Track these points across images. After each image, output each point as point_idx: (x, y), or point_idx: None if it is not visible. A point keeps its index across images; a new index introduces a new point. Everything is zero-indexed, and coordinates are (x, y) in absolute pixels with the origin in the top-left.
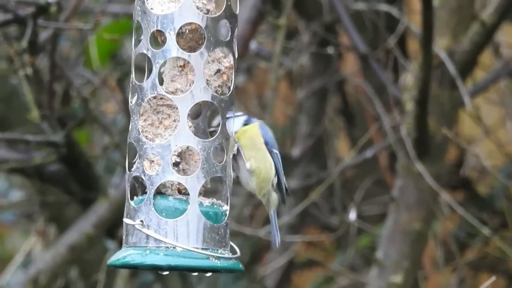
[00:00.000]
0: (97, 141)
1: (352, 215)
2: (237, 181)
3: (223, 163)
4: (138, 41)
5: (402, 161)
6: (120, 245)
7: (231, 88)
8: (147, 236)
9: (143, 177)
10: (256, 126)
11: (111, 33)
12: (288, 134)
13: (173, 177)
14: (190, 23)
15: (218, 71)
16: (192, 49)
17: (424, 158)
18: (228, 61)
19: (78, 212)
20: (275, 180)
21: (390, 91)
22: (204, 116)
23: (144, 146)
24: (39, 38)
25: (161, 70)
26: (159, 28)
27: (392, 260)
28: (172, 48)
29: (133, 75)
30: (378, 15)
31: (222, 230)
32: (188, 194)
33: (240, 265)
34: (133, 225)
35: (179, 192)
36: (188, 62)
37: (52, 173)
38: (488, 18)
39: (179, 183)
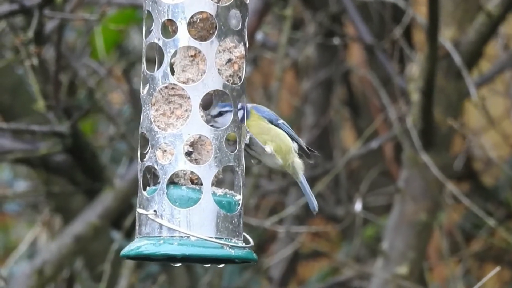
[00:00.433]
0: (102, 131)
1: (358, 206)
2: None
3: (235, 152)
4: (148, 31)
5: (407, 152)
6: (126, 236)
7: (242, 77)
8: (161, 226)
9: (156, 166)
10: (253, 112)
11: (116, 23)
12: (294, 125)
13: (186, 166)
14: (201, 12)
15: (229, 60)
16: (203, 38)
17: (430, 149)
18: (239, 50)
19: (83, 203)
20: (295, 145)
21: (396, 82)
22: (215, 106)
23: (157, 136)
24: (45, 29)
25: (172, 60)
26: (170, 18)
27: (398, 251)
28: (184, 37)
29: (144, 65)
30: (384, 5)
31: (236, 220)
32: (201, 184)
33: (253, 255)
34: (146, 215)
35: (192, 182)
36: (199, 52)
37: (57, 164)
38: (494, 9)
39: (191, 173)
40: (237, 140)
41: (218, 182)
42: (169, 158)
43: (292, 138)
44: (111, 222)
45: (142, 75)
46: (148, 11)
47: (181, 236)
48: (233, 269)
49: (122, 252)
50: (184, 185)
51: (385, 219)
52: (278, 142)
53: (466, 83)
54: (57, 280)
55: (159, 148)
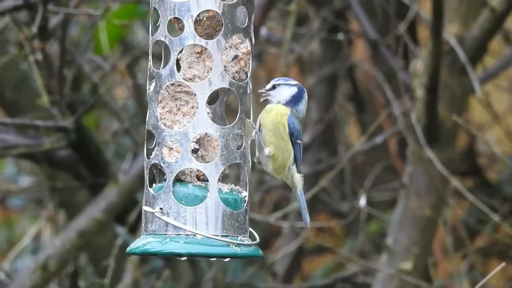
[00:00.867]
0: (106, 125)
1: (362, 201)
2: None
3: (241, 149)
4: (155, 29)
5: (412, 148)
6: (129, 231)
7: (249, 73)
8: (167, 223)
9: (162, 164)
10: (285, 115)
11: (119, 18)
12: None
13: (192, 164)
14: (207, 10)
15: (236, 57)
16: (209, 36)
17: (434, 145)
18: (245, 46)
19: (87, 198)
20: (293, 168)
21: (400, 77)
22: (221, 102)
23: (163, 134)
24: (49, 24)
25: (178, 57)
26: (176, 16)
27: (402, 246)
28: (190, 35)
29: (150, 63)
30: (388, 1)
31: (242, 217)
32: (207, 181)
33: (260, 252)
34: (153, 213)
35: (198, 178)
36: (206, 49)
37: (61, 159)
38: (498, 5)
39: (198, 170)
40: (243, 137)
41: (223, 177)
42: (176, 155)
43: (296, 161)
44: (115, 217)
45: (148, 72)
46: (154, 8)
47: (187, 234)
48: (237, 265)
49: (128, 249)
50: (191, 182)
51: (389, 215)
52: (279, 153)
53: (470, 79)
54: (61, 275)
55: (166, 145)
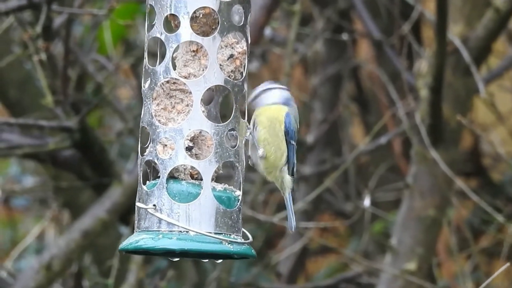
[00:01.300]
0: (109, 124)
1: (366, 202)
2: (250, 167)
3: (236, 148)
4: (151, 26)
5: (416, 148)
6: (134, 231)
7: (244, 73)
8: (160, 220)
9: (156, 161)
10: (283, 112)
11: (120, 18)
12: (303, 121)
13: (186, 161)
14: (204, 7)
15: (231, 56)
16: (205, 34)
17: (438, 145)
18: (241, 46)
19: (91, 198)
20: (285, 169)
21: (404, 77)
22: (216, 102)
23: (157, 130)
24: (53, 24)
25: (174, 55)
26: (172, 12)
27: (406, 246)
28: (186, 32)
29: (146, 60)
30: (392, 1)
31: (235, 215)
32: (201, 179)
33: (252, 251)
34: (146, 210)
35: (192, 177)
36: (201, 47)
37: (65, 159)
38: (502, 5)
39: (192, 168)
40: (237, 135)
41: (217, 177)
42: (170, 152)
43: (288, 162)
44: (119, 217)
45: (143, 69)
46: (150, 5)
47: (180, 231)
48: (241, 265)
49: (121, 246)
50: (184, 180)
51: (393, 215)
52: (272, 151)
53: (474, 79)
54: (65, 275)
55: (160, 142)
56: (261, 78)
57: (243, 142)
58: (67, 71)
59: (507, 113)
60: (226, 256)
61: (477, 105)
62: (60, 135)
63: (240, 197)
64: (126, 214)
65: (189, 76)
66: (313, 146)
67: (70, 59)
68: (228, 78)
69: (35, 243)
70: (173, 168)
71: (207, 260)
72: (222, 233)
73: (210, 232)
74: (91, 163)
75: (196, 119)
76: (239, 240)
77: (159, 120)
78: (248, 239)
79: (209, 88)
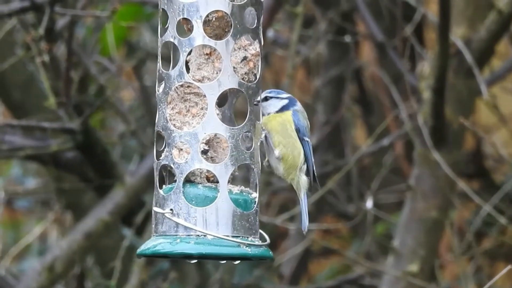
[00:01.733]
0: (111, 126)
1: (369, 203)
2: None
3: (251, 150)
4: (164, 30)
5: (418, 150)
6: (136, 233)
7: (258, 75)
8: (177, 224)
9: (172, 165)
10: (289, 113)
11: (122, 20)
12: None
13: (202, 165)
14: (216, 11)
15: (245, 58)
16: (218, 37)
17: (441, 147)
18: (254, 48)
19: (94, 199)
20: (304, 167)
21: (407, 79)
22: (230, 104)
23: (173, 135)
24: (56, 26)
25: (187, 59)
26: (185, 16)
27: (409, 248)
28: (199, 36)
29: (159, 64)
30: (395, 3)
31: (252, 218)
32: (217, 182)
33: (270, 252)
34: (163, 214)
35: (208, 180)
36: (215, 50)
37: (68, 160)
38: (505, 7)
39: (208, 171)
40: (253, 137)
41: (233, 179)
42: (185, 156)
43: (306, 159)
44: (121, 218)
45: (157, 74)
46: (163, 9)
47: (198, 235)
48: (244, 266)
49: (139, 251)
50: (201, 183)
51: (396, 217)
52: (289, 152)
53: (477, 81)
54: (67, 276)
55: (175, 146)
56: (264, 79)
57: (258, 144)
58: (70, 73)
59: (510, 115)
60: (244, 258)
61: (480, 107)
62: (62, 137)
63: (256, 199)
64: (128, 216)
65: (203, 80)
66: (316, 147)
67: (72, 61)
68: (242, 80)
69: (38, 245)
70: (189, 172)
71: (224, 261)
72: (239, 236)
73: (227, 236)
74: (94, 164)
75: (211, 123)
76: (256, 243)
77: (174, 124)
78: (266, 240)
79: (224, 90)
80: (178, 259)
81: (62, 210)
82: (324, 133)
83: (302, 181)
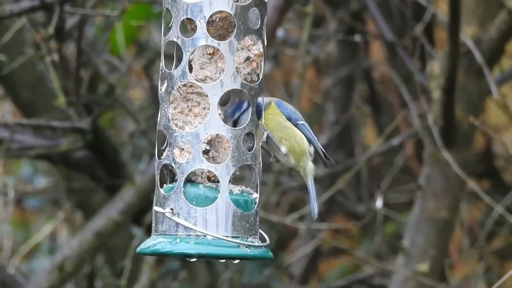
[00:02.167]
0: (121, 126)
1: (379, 203)
2: (264, 169)
3: (253, 150)
4: (167, 29)
5: (428, 149)
6: (146, 232)
7: (260, 75)
8: (177, 224)
9: (173, 165)
10: (273, 106)
11: (132, 19)
12: (315, 122)
13: (204, 165)
14: (220, 11)
15: (248, 58)
16: (221, 37)
17: (451, 146)
18: (257, 48)
19: (104, 199)
20: (311, 149)
21: (417, 79)
22: (233, 103)
23: (174, 134)
24: (66, 25)
25: (190, 58)
26: (189, 16)
27: (419, 248)
28: (202, 36)
29: (162, 63)
30: (405, 3)
31: (252, 218)
32: (218, 182)
33: (270, 253)
34: (163, 213)
35: (209, 179)
36: (218, 50)
37: (78, 160)
38: None
39: (209, 171)
40: (254, 138)
41: (234, 179)
42: (187, 156)
43: (310, 141)
44: (131, 218)
45: (160, 73)
46: (167, 8)
47: (198, 235)
48: (253, 266)
49: (139, 249)
50: (201, 183)
51: (406, 216)
52: (292, 142)
53: (487, 81)
54: (77, 276)
55: (177, 146)
56: (273, 79)
57: (260, 145)
58: (80, 72)
59: None
60: (244, 258)
61: (490, 106)
62: (72, 136)
63: (257, 200)
64: (138, 215)
65: (205, 79)
66: (326, 147)
67: (82, 60)
68: (245, 81)
69: (48, 244)
70: (190, 172)
71: (223, 260)
72: (239, 237)
73: (227, 236)
74: (104, 164)
75: (213, 123)
76: (256, 243)
77: (176, 124)
78: (266, 241)
79: (227, 91)
80: (184, 258)
81: (72, 210)
82: (334, 133)
83: (309, 168)
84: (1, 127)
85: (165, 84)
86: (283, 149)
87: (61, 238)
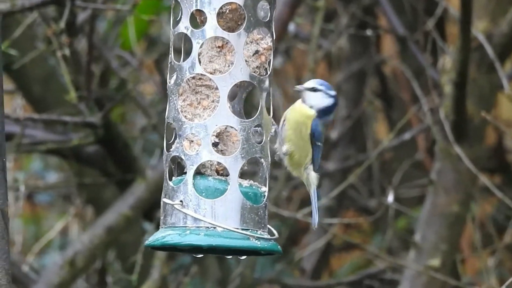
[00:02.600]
0: (132, 120)
1: (390, 198)
2: (276, 164)
3: (262, 143)
4: (176, 21)
5: (440, 144)
6: (157, 227)
7: (269, 69)
8: (186, 216)
9: (182, 157)
10: (312, 117)
11: (143, 13)
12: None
13: (213, 157)
14: (230, 3)
15: (257, 52)
16: (231, 29)
17: (462, 141)
18: (266, 42)
19: (115, 194)
20: (310, 167)
21: (429, 73)
22: (240, 98)
23: (184, 126)
24: (77, 19)
25: (199, 51)
26: (198, 8)
27: (430, 243)
28: (212, 28)
29: (171, 55)
30: None
31: (261, 211)
32: (227, 175)
33: (278, 247)
34: (172, 205)
35: (217, 172)
36: (227, 43)
37: (89, 155)
38: None
39: (218, 164)
40: (264, 131)
41: (242, 174)
42: (196, 148)
43: (313, 162)
44: (143, 213)
45: (169, 65)
46: (176, 0)
47: (207, 227)
48: (265, 261)
49: (147, 242)
50: (210, 175)
51: (417, 211)
52: (296, 151)
53: (498, 75)
54: (89, 271)
55: (186, 138)
56: (285, 74)
57: (268, 138)
58: (91, 66)
59: None
60: (252, 252)
61: (501, 101)
62: (83, 131)
63: (266, 193)
64: (149, 210)
65: (214, 72)
66: (337, 142)
67: (93, 55)
68: (254, 73)
69: (59, 239)
70: (200, 164)
71: (231, 257)
72: (248, 229)
73: (237, 228)
74: (115, 159)
75: (223, 115)
76: (265, 236)
77: (185, 116)
78: (274, 235)
79: (235, 84)
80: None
81: (83, 205)
82: (346, 128)
83: (312, 177)
84: (12, 122)
85: (174, 76)
86: (284, 149)
87: (72, 233)
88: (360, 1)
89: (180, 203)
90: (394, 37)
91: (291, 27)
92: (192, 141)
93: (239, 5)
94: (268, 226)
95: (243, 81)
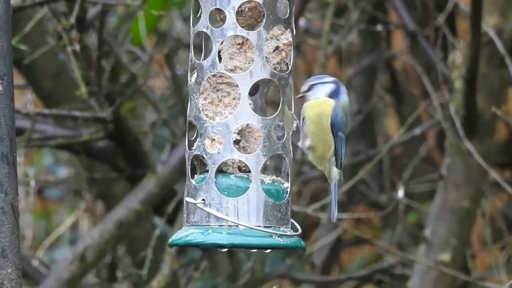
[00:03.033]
0: (142, 115)
1: (400, 193)
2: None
3: (283, 140)
4: (196, 20)
5: (450, 139)
6: (167, 222)
7: (290, 65)
8: (209, 214)
9: (204, 155)
10: (330, 105)
11: (153, 8)
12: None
13: (235, 155)
14: (249, 1)
15: (277, 48)
16: (250, 27)
17: (473, 136)
18: (286, 37)
19: (125, 189)
20: (333, 160)
21: (439, 69)
22: (262, 94)
23: (205, 125)
24: (87, 14)
25: (219, 48)
26: (218, 7)
27: (440, 238)
28: (232, 26)
29: (192, 54)
30: None
31: (284, 208)
32: (249, 172)
33: (302, 243)
34: (195, 204)
35: (240, 170)
36: (247, 40)
37: (99, 149)
38: None
39: (240, 161)
40: (284, 127)
41: (264, 169)
42: (218, 147)
43: (336, 154)
44: (153, 208)
45: (189, 64)
46: None
47: (230, 225)
48: (275, 256)
49: (171, 241)
50: (233, 173)
51: (427, 206)
52: (319, 144)
53: (509, 71)
54: (99, 266)
55: (208, 137)
56: (296, 69)
57: (290, 134)
58: (101, 61)
59: None
60: (276, 248)
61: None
62: (94, 126)
63: (288, 189)
64: (160, 205)
65: (235, 69)
66: (348, 137)
67: (103, 50)
68: (274, 70)
69: (69, 234)
70: (222, 163)
71: (255, 250)
72: (271, 226)
73: (259, 226)
74: (125, 154)
75: (243, 112)
76: (288, 233)
77: (206, 115)
78: (297, 230)
79: (256, 80)
80: (208, 248)
81: (93, 200)
82: (356, 123)
83: (334, 172)
84: (22, 117)
85: (195, 75)
86: (307, 143)
87: (82, 228)
88: None
89: (203, 201)
90: (405, 32)
91: (302, 22)
92: (214, 139)
93: (258, 3)
94: (292, 221)
95: (264, 78)
